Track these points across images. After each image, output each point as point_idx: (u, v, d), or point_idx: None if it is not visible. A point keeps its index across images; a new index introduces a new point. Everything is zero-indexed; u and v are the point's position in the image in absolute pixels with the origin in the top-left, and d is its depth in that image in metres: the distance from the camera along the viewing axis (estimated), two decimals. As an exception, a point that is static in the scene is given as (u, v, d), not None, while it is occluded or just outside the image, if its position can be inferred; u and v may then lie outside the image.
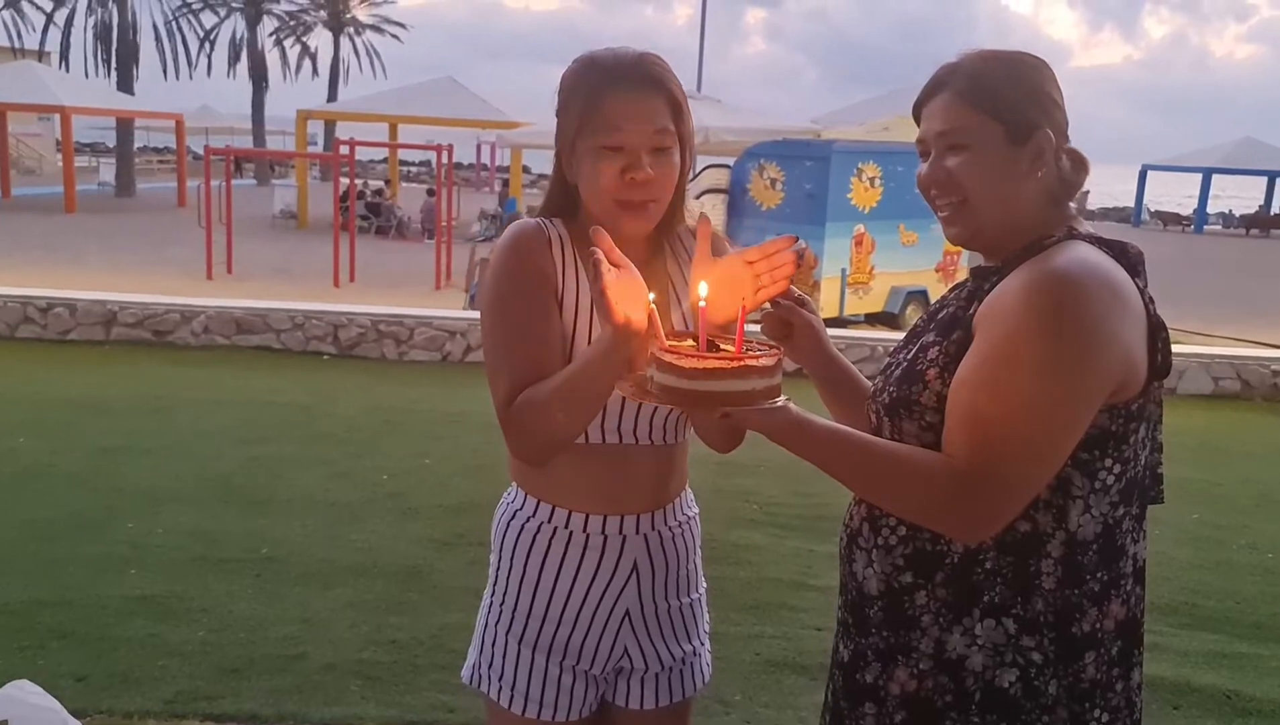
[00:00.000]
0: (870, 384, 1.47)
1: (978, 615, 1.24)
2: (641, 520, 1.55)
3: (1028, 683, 1.23)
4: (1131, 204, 33.89)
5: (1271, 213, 31.91)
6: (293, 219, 19.50)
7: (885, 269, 11.26)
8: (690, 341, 1.24)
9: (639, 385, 1.22)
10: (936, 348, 1.27)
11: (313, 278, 11.96)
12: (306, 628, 3.37)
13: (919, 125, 1.35)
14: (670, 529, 1.59)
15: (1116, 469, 1.23)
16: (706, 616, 1.70)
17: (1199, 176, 30.90)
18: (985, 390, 1.17)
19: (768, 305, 1.47)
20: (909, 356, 1.32)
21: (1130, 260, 1.26)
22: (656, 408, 1.47)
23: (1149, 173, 32.80)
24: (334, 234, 12.23)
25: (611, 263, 1.28)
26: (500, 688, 1.57)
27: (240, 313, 8.08)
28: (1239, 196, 36.87)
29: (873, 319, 11.20)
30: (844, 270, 11.07)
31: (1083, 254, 1.22)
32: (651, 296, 1.25)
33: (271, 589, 3.68)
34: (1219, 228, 31.95)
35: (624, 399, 1.43)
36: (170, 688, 2.94)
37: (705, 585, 1.71)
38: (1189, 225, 31.66)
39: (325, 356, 7.95)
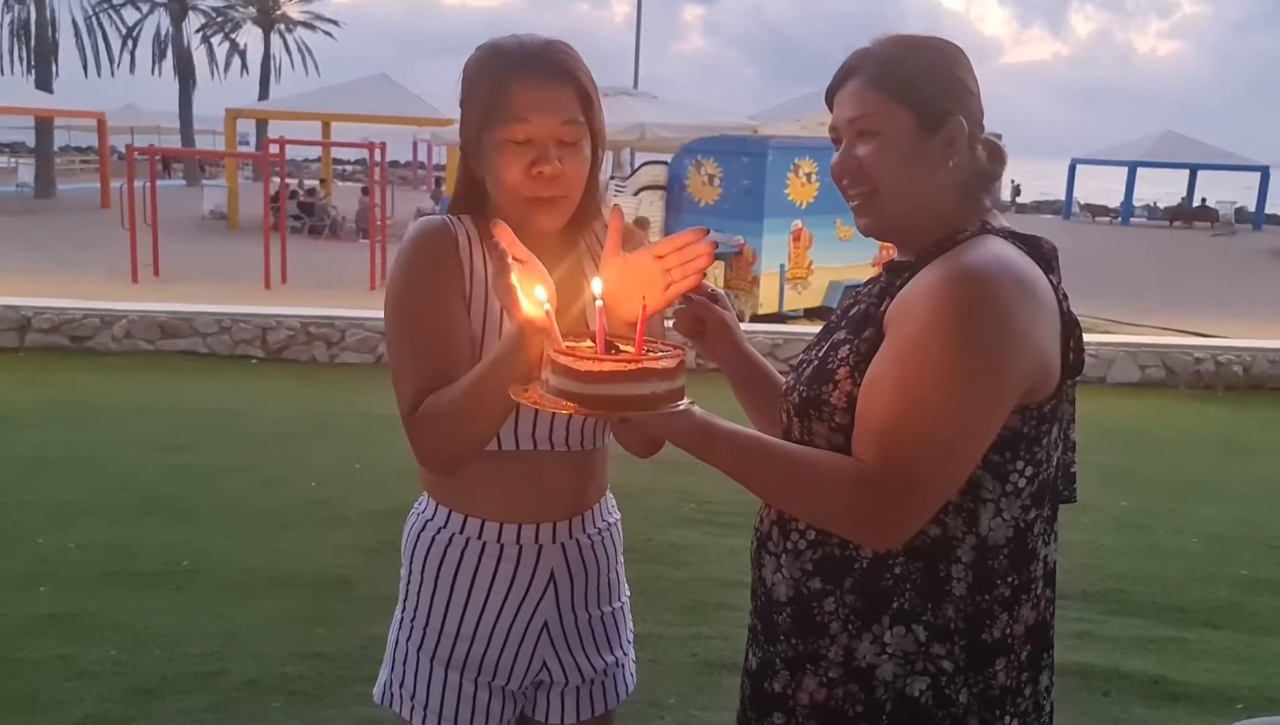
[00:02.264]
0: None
1: (887, 622, 1.20)
2: (558, 528, 1.49)
3: (938, 691, 1.19)
4: (1063, 197, 34.62)
5: (1193, 205, 32.81)
6: (223, 220, 19.00)
7: (823, 264, 11.33)
8: (589, 342, 1.18)
9: (534, 390, 1.15)
10: (848, 346, 1.23)
11: (243, 280, 11.65)
12: (227, 642, 3.25)
13: (832, 112, 1.31)
14: (589, 537, 1.53)
15: (1028, 471, 1.19)
16: (630, 624, 1.65)
17: (1125, 170, 31.65)
18: (894, 391, 1.12)
19: (680, 302, 1.42)
20: (820, 354, 1.27)
21: (1044, 255, 1.22)
22: None
23: (1078, 166, 33.54)
24: (264, 235, 11.95)
25: (514, 257, 1.22)
26: (413, 707, 1.50)
27: (164, 317, 7.84)
28: (1162, 189, 37.84)
29: (812, 314, 11.25)
30: (783, 266, 11.11)
31: (996, 250, 1.17)
32: (543, 296, 1.19)
33: (191, 603, 3.55)
34: (1144, 219, 32.76)
35: None
36: (78, 710, 2.81)
37: (629, 592, 1.65)
38: (1116, 217, 32.42)
39: (253, 360, 7.75)
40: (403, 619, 1.54)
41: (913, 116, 1.22)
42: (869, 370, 1.17)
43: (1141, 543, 4.47)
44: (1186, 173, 33.42)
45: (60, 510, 4.38)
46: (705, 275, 1.36)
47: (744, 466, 1.18)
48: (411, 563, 1.52)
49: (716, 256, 10.77)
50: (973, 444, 1.13)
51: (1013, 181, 36.62)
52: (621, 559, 1.62)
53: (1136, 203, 32.98)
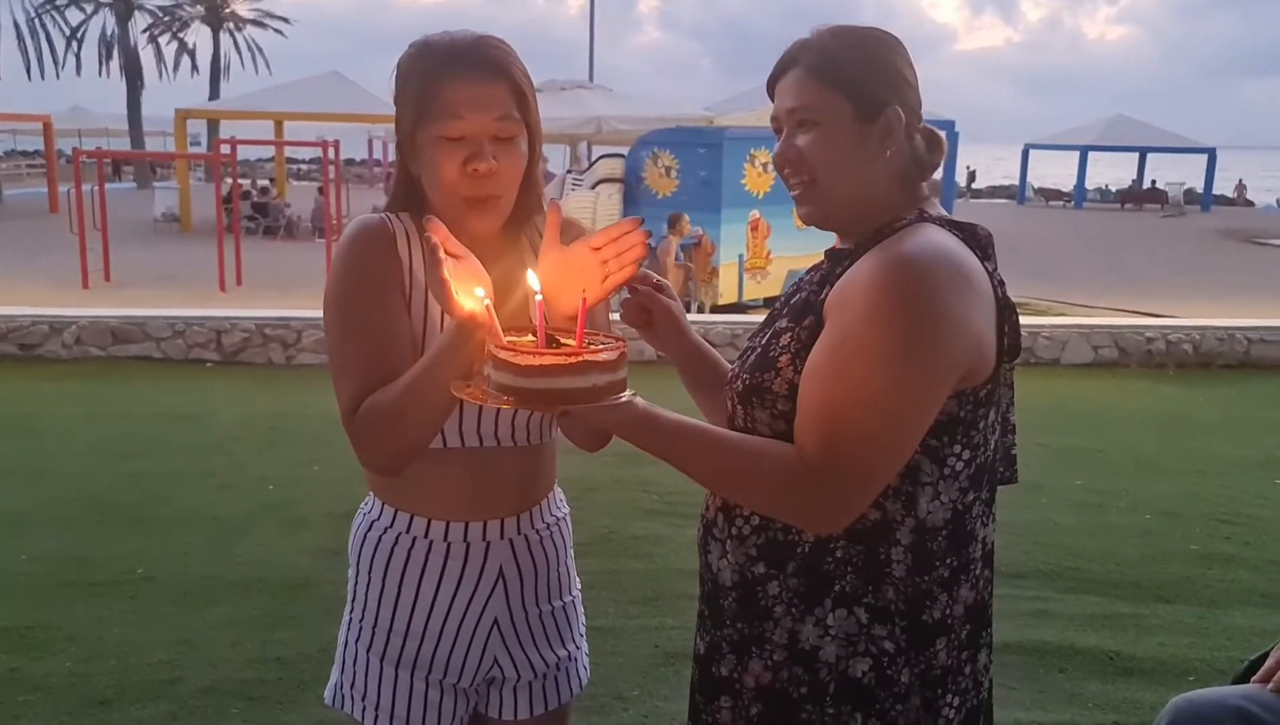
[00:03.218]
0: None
1: (829, 605, 1.21)
2: (506, 524, 1.48)
3: (880, 672, 1.21)
4: (1017, 182, 35.10)
5: (1143, 187, 33.38)
6: (176, 222, 18.71)
7: (781, 253, 11.39)
8: (531, 337, 1.17)
9: (476, 385, 1.15)
10: (789, 334, 1.24)
11: (198, 283, 11.49)
12: (184, 650, 3.21)
13: (773, 103, 1.32)
14: (538, 532, 1.52)
15: (966, 455, 1.21)
16: (582, 618, 1.65)
17: (1076, 154, 32.13)
18: (834, 379, 1.13)
19: (625, 292, 1.42)
20: (763, 342, 1.28)
21: (980, 242, 1.23)
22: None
23: (1031, 151, 33.99)
24: (218, 236, 11.79)
25: (449, 252, 1.21)
26: (365, 707, 1.49)
27: (115, 322, 7.70)
28: (1114, 172, 38.46)
29: (771, 303, 11.28)
30: (741, 255, 11.16)
31: (931, 237, 1.19)
32: (481, 293, 1.18)
33: (147, 611, 3.50)
34: (1097, 202, 33.29)
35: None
36: (33, 725, 2.76)
37: (580, 586, 1.65)
38: (1070, 201, 32.91)
39: (208, 364, 7.64)
40: (351, 620, 1.53)
41: (851, 106, 1.23)
42: (809, 357, 1.18)
43: (1096, 521, 4.55)
44: (1137, 156, 34.00)
45: (10, 521, 4.30)
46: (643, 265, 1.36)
47: (687, 456, 1.19)
48: (359, 563, 1.51)
49: (678, 248, 10.82)
50: (910, 428, 1.14)
51: (968, 168, 37.02)
52: (571, 553, 1.62)
53: (1089, 186, 33.50)
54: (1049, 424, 6.27)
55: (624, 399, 1.12)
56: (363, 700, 1.49)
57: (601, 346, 1.12)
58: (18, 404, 6.41)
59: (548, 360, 1.08)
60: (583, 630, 1.64)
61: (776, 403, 1.21)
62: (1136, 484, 5.10)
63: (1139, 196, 32.46)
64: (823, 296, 1.23)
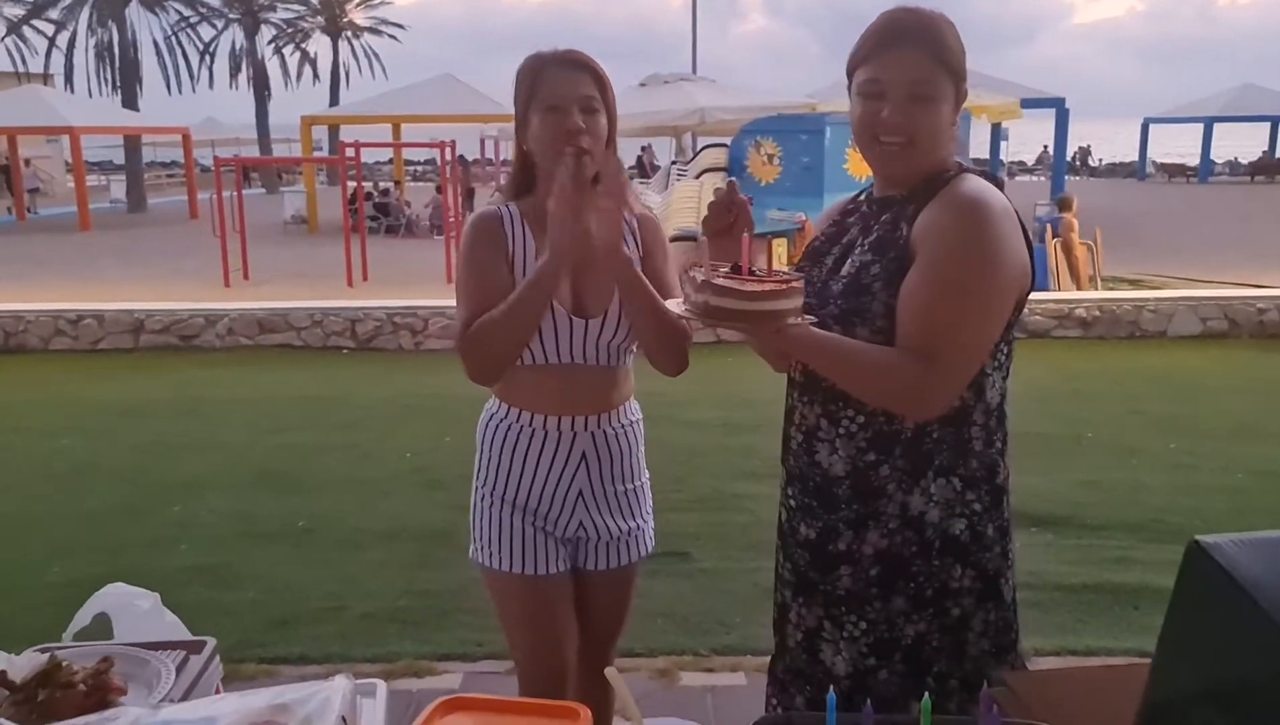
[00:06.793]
0: None
1: (931, 477, 1.53)
2: (589, 420, 1.93)
3: (973, 528, 1.54)
4: (1136, 158, 33.89)
5: (1276, 157, 31.81)
6: (303, 224, 19.77)
7: (882, 235, 11.47)
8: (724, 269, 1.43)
9: (693, 312, 1.41)
10: (878, 265, 1.53)
11: (327, 279, 12.25)
12: (345, 585, 3.71)
13: (871, 64, 1.54)
14: (614, 428, 1.96)
15: (1007, 350, 1.56)
16: (649, 500, 2.06)
17: (1201, 127, 30.81)
18: (937, 297, 1.46)
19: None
20: (853, 271, 1.56)
21: (1002, 188, 1.57)
22: (600, 333, 1.86)
23: (1151, 126, 32.74)
24: (344, 235, 12.55)
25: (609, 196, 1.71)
26: (492, 553, 1.94)
27: (262, 314, 8.44)
28: (1244, 144, 36.70)
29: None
30: (843, 239, 11.30)
31: (983, 184, 1.53)
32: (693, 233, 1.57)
33: (310, 555, 4.03)
34: (1226, 175, 31.88)
35: (570, 327, 1.83)
36: (228, 639, 3.18)
37: (649, 476, 2.05)
38: (1194, 176, 31.60)
39: (344, 351, 8.30)
40: (477, 487, 1.99)
41: (954, 88, 1.55)
42: (906, 282, 1.48)
43: (1186, 481, 4.68)
44: (1268, 126, 32.40)
45: (187, 485, 4.92)
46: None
47: (835, 362, 1.50)
48: (482, 444, 1.98)
49: (780, 234, 11.04)
50: (993, 330, 1.49)
51: (1081, 146, 35.81)
52: (642, 450, 2.03)
53: (1218, 159, 32.06)
54: (1149, 392, 6.35)
55: (808, 319, 1.45)
56: (489, 546, 1.94)
57: (790, 275, 1.43)
58: (183, 387, 7.15)
59: (768, 286, 1.37)
60: (650, 509, 2.06)
61: (875, 320, 1.51)
62: (1231, 446, 5.19)
63: (1271, 167, 30.96)
64: (901, 233, 1.52)
